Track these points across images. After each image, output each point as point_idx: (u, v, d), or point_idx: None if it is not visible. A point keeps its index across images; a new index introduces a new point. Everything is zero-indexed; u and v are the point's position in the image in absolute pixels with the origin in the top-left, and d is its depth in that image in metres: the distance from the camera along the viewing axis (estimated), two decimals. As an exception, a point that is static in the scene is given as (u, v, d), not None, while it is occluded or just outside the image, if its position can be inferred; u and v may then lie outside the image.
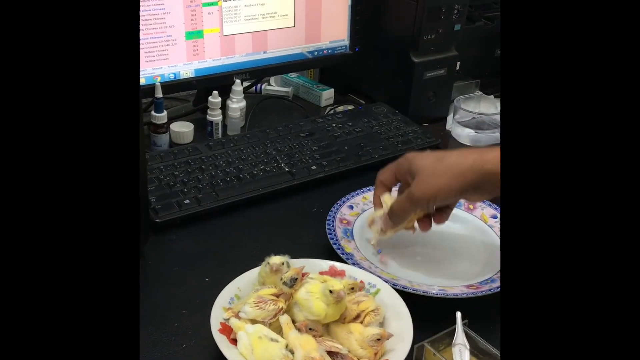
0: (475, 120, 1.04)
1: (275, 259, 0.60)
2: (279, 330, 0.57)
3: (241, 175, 0.83)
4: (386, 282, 0.63)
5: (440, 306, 0.62)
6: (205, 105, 0.97)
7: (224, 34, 0.94)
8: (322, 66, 1.17)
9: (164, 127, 0.92)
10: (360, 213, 0.78)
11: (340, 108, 1.11)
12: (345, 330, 0.57)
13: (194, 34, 0.92)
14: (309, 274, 0.60)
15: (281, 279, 0.58)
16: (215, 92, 0.95)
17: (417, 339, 0.57)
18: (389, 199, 0.69)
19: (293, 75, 1.19)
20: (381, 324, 0.59)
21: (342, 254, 0.68)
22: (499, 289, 0.64)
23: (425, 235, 0.74)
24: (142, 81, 0.89)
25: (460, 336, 0.57)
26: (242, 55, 0.98)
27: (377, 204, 0.70)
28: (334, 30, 1.06)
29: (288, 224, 0.79)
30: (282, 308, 0.58)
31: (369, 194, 0.78)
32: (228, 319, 0.57)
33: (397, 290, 0.62)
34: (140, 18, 0.84)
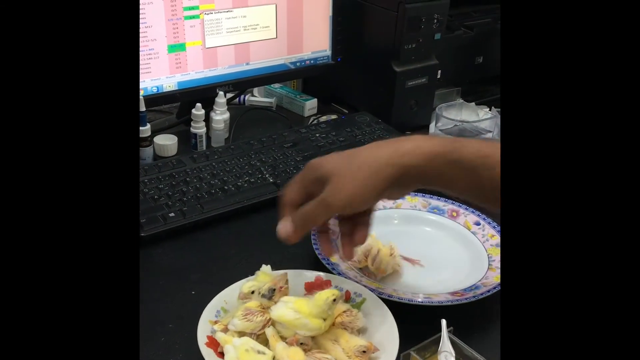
0: (457, 127, 1.05)
1: (246, 287, 0.60)
2: (266, 342, 0.57)
3: (226, 187, 0.83)
4: (372, 291, 0.64)
5: (426, 314, 0.63)
6: (189, 118, 0.97)
7: (206, 47, 0.95)
8: (305, 77, 1.18)
9: (148, 141, 0.92)
10: (345, 223, 0.78)
11: (324, 118, 1.11)
12: (330, 340, 0.58)
13: (176, 47, 0.92)
14: (285, 287, 0.60)
15: (259, 292, 0.59)
16: (198, 105, 0.95)
17: (403, 347, 0.57)
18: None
19: (276, 85, 1.19)
20: (365, 333, 0.60)
21: (328, 264, 0.68)
22: (483, 296, 0.65)
23: (409, 243, 0.75)
24: (124, 95, 0.89)
25: (445, 343, 0.57)
26: (224, 67, 0.98)
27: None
28: (316, 41, 1.07)
29: (274, 234, 0.78)
30: (269, 319, 0.58)
31: None
32: (216, 331, 0.58)
33: (382, 299, 0.63)
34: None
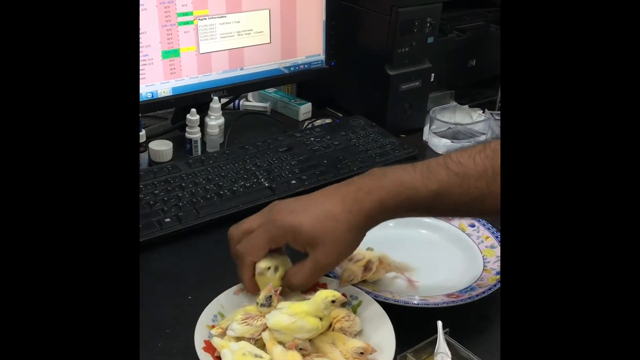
0: (451, 130, 1.06)
1: (262, 264, 0.60)
2: (263, 346, 0.57)
3: (221, 192, 0.84)
4: (368, 294, 0.64)
5: (422, 316, 0.63)
6: (184, 123, 0.97)
7: (200, 52, 0.95)
8: (299, 81, 1.18)
9: (143, 146, 0.92)
10: (340, 226, 0.79)
11: (318, 122, 1.12)
12: (328, 342, 0.58)
13: (171, 53, 0.92)
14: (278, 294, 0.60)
15: (257, 303, 0.59)
16: (193, 110, 0.96)
17: (399, 349, 0.57)
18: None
19: (270, 90, 1.20)
20: (362, 335, 0.60)
21: (324, 267, 0.68)
22: (478, 297, 0.65)
23: (404, 245, 0.75)
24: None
25: (442, 345, 0.58)
26: (219, 72, 0.98)
27: (254, 288, 0.62)
28: (310, 45, 1.07)
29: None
30: (270, 324, 0.58)
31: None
32: (213, 336, 0.58)
33: (378, 301, 0.63)
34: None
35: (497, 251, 0.74)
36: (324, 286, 0.65)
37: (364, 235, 0.61)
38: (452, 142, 1.04)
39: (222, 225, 0.80)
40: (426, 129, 1.09)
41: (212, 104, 0.98)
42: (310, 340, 0.58)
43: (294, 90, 1.23)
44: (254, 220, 0.62)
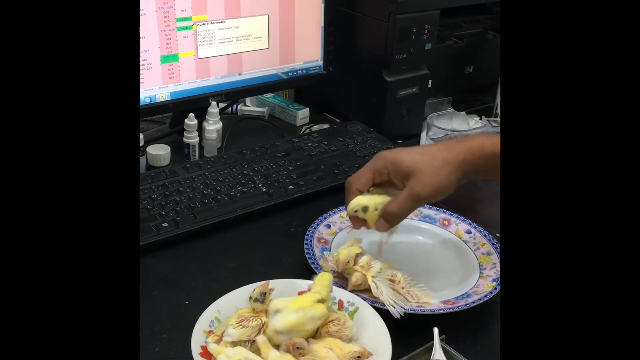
0: (448, 136, 1.06)
1: (350, 205, 0.66)
2: (258, 351, 0.57)
3: (219, 197, 0.84)
4: (364, 300, 0.64)
5: (418, 322, 0.63)
6: (182, 128, 0.97)
7: (199, 57, 0.95)
8: (297, 86, 1.18)
9: (141, 150, 0.93)
10: (337, 232, 0.79)
11: (316, 127, 1.12)
12: (325, 347, 0.58)
13: (169, 58, 0.93)
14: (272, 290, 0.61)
15: (250, 297, 0.59)
16: (191, 115, 0.96)
17: (395, 355, 0.57)
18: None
19: (268, 95, 1.20)
20: (358, 341, 0.60)
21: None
22: (474, 304, 0.65)
23: (401, 252, 0.75)
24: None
25: (438, 351, 0.58)
26: (217, 77, 0.99)
27: (353, 221, 0.70)
28: (308, 50, 1.07)
29: (266, 244, 0.80)
30: (265, 323, 0.58)
31: (345, 213, 0.79)
32: (210, 342, 0.58)
33: (375, 307, 0.63)
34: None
35: (494, 258, 0.74)
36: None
37: (460, 175, 0.65)
38: (449, 148, 1.05)
39: (219, 230, 0.81)
40: (423, 135, 1.09)
41: (210, 109, 0.98)
42: (307, 340, 0.58)
43: (291, 96, 1.23)
44: (365, 165, 0.70)
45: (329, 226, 0.79)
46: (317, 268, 0.69)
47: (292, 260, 0.75)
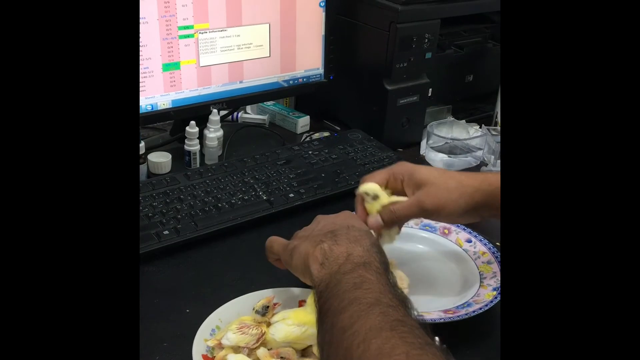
0: (448, 145, 1.07)
1: (362, 187, 0.66)
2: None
3: (220, 205, 0.84)
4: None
5: (419, 331, 0.63)
6: (183, 135, 0.98)
7: (200, 65, 0.96)
8: (298, 94, 1.19)
9: (142, 158, 0.93)
10: (338, 240, 0.79)
11: (317, 135, 1.12)
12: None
13: (171, 66, 0.93)
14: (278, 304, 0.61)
15: (253, 309, 0.59)
16: (192, 122, 0.96)
17: (396, 365, 0.57)
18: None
19: (269, 103, 1.20)
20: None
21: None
22: (475, 313, 0.65)
23: (401, 260, 0.76)
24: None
25: (438, 361, 0.58)
26: (218, 85, 0.99)
27: (363, 214, 0.69)
28: (309, 59, 1.08)
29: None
30: (264, 332, 0.58)
31: None
32: (213, 347, 0.58)
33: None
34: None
35: (494, 267, 0.74)
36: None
37: (471, 201, 0.65)
38: (449, 156, 1.05)
39: (220, 238, 0.81)
40: (423, 143, 1.10)
41: (211, 117, 0.99)
42: (303, 352, 0.58)
43: (292, 104, 1.23)
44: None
45: None
46: (317, 277, 0.69)
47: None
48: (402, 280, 0.69)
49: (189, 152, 0.97)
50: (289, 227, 0.84)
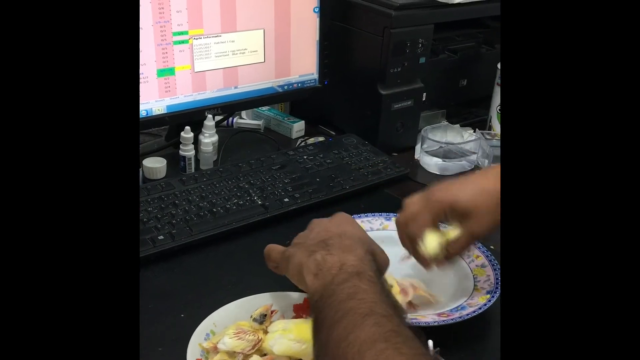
0: (443, 149, 1.07)
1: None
2: (254, 363, 0.57)
3: (215, 210, 0.84)
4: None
5: (413, 335, 0.63)
6: (178, 140, 0.98)
7: (195, 71, 0.96)
8: (292, 99, 1.19)
9: (137, 163, 0.93)
10: (333, 244, 0.79)
11: (311, 140, 1.13)
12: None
13: (166, 72, 0.93)
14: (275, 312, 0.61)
15: (251, 316, 0.59)
16: (187, 128, 0.96)
17: (391, 368, 0.58)
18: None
19: (264, 108, 1.21)
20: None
21: (316, 285, 0.69)
22: (469, 316, 0.66)
23: (394, 264, 0.76)
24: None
25: (432, 364, 0.58)
26: (213, 90, 0.99)
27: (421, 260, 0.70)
28: (303, 64, 1.08)
29: (262, 256, 0.80)
30: (261, 339, 0.58)
31: None
32: (208, 352, 0.58)
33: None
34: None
35: (488, 270, 0.75)
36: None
37: None
38: (443, 161, 1.06)
39: (215, 243, 0.81)
40: (418, 147, 1.10)
41: (206, 122, 0.99)
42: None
43: (287, 108, 1.24)
44: (415, 203, 0.69)
45: None
46: (312, 281, 0.70)
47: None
48: (418, 288, 0.70)
49: (184, 157, 0.97)
50: (284, 231, 0.84)
